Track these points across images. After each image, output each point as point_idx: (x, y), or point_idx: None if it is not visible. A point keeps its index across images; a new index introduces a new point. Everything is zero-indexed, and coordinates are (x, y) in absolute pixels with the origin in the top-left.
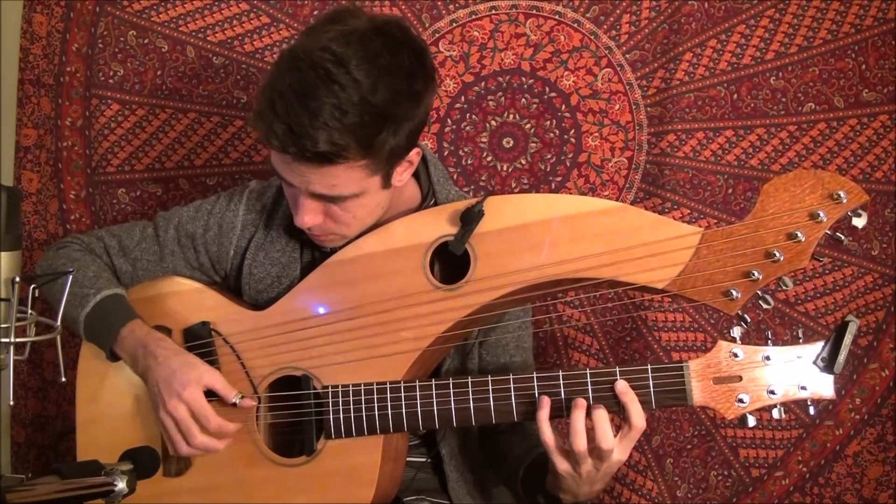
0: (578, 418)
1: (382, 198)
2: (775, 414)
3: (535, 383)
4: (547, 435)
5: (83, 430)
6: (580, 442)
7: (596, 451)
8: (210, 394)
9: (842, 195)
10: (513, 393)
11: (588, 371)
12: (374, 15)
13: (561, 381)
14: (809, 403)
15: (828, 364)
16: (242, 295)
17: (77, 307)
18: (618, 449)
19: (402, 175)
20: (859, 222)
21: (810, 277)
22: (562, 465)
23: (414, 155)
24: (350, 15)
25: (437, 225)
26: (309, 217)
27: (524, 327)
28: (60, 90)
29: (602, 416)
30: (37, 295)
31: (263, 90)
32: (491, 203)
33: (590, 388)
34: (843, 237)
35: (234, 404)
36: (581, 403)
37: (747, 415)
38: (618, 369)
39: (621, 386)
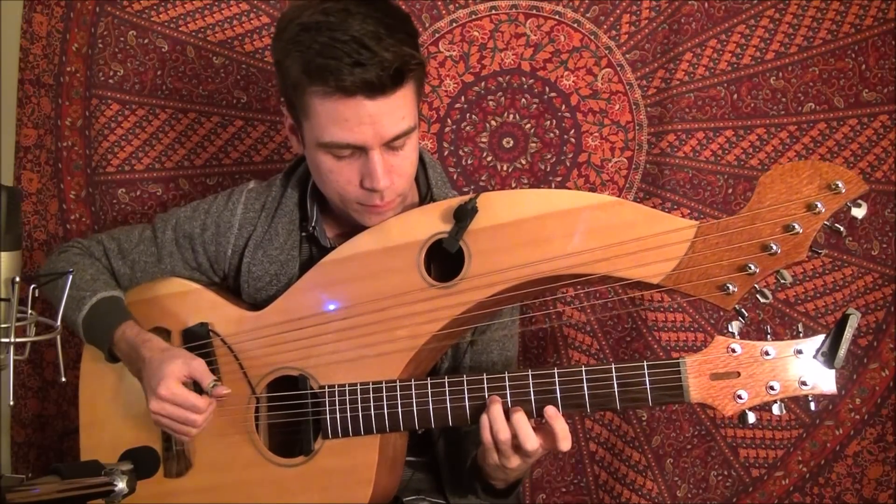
0: (497, 412)
1: (416, 147)
2: (775, 410)
3: (531, 381)
4: (485, 432)
5: (86, 432)
6: (503, 433)
7: (521, 450)
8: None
9: (840, 185)
10: (508, 391)
11: (584, 368)
12: None
13: (556, 379)
14: (810, 399)
15: (828, 358)
16: (241, 294)
17: (75, 310)
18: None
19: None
20: (859, 213)
21: (810, 277)
22: (492, 459)
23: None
24: None
25: (431, 222)
26: (388, 176)
27: (509, 333)
28: (60, 90)
29: (521, 419)
30: (37, 295)
31: (306, 61)
32: (484, 199)
33: (585, 385)
34: (842, 228)
35: (208, 392)
36: (497, 399)
37: (747, 411)
38: (614, 366)
39: (551, 411)
